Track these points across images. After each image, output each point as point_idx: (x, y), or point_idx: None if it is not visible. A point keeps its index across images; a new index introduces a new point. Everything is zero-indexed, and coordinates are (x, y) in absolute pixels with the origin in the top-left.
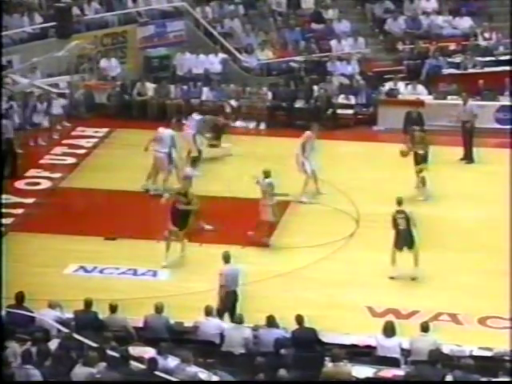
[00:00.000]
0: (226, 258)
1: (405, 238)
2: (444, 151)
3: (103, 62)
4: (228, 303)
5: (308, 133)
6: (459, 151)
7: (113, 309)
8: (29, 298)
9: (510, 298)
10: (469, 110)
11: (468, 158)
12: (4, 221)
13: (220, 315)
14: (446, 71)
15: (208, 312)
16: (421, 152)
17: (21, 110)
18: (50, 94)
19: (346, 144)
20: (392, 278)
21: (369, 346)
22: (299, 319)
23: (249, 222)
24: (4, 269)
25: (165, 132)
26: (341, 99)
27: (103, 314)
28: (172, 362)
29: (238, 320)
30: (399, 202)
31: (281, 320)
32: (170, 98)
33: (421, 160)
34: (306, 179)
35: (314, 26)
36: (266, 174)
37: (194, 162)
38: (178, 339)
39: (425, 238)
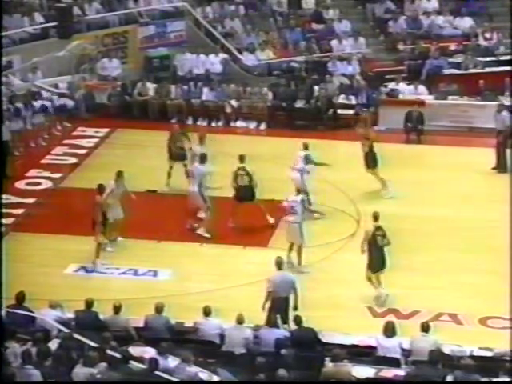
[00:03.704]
0: (278, 265)
1: (379, 258)
2: (444, 152)
3: (104, 62)
4: (277, 309)
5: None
6: (459, 151)
7: (116, 309)
8: (29, 297)
9: (510, 299)
10: (501, 119)
11: (500, 167)
12: (5, 221)
13: (269, 322)
14: (446, 71)
15: (206, 312)
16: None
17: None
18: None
19: (347, 144)
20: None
21: (369, 347)
22: (298, 320)
23: (249, 222)
24: (4, 269)
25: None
26: (341, 99)
27: (104, 314)
28: (172, 362)
29: (239, 320)
30: (376, 218)
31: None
32: (170, 98)
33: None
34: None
35: (314, 26)
36: (298, 191)
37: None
38: (179, 339)
39: (425, 238)
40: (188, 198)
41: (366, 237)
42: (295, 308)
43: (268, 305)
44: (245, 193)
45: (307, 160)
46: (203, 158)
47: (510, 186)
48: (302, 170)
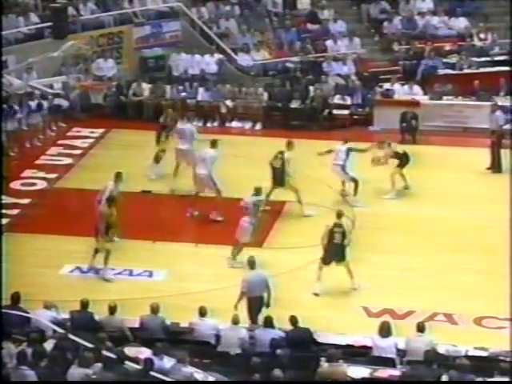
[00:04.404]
0: (251, 264)
1: (335, 253)
2: (439, 152)
3: (99, 63)
4: (253, 309)
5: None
6: (454, 152)
7: (111, 310)
8: (24, 298)
9: (510, 300)
10: (495, 119)
11: (495, 167)
12: None
13: (253, 321)
14: (441, 71)
15: (202, 313)
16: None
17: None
18: (44, 95)
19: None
20: (316, 294)
21: (364, 347)
22: (293, 320)
23: None
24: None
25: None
26: (336, 99)
27: (99, 314)
28: (168, 362)
29: (234, 320)
30: (339, 215)
31: (277, 320)
32: (165, 98)
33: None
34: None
35: (309, 26)
36: (257, 191)
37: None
38: (174, 340)
39: (421, 238)
40: (195, 181)
41: (325, 231)
42: (267, 305)
43: (242, 304)
44: (275, 175)
45: (349, 153)
46: (214, 143)
47: (510, 186)
48: (343, 164)
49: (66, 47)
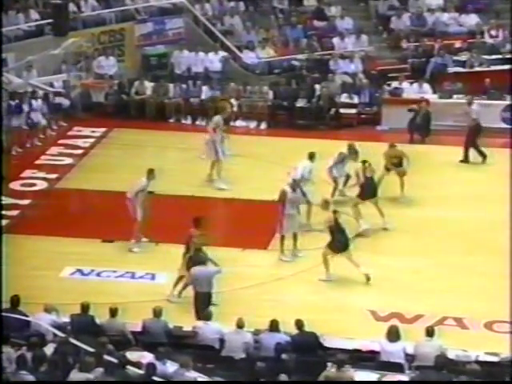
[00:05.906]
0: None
1: (343, 240)
2: (448, 151)
3: (100, 61)
4: (197, 304)
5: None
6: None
7: (112, 313)
8: (24, 301)
9: (510, 301)
10: (471, 112)
11: (465, 159)
12: None
13: (199, 317)
14: (451, 69)
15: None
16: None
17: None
18: (38, 93)
19: None
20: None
21: (372, 351)
22: (299, 324)
23: (248, 224)
24: None
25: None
26: (344, 98)
27: (100, 318)
28: (171, 367)
29: (238, 324)
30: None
31: (283, 324)
32: (168, 97)
33: None
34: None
35: (316, 23)
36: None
37: None
38: (177, 344)
39: (429, 240)
40: None
41: (330, 220)
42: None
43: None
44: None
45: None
46: (312, 156)
47: (510, 186)
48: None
49: (67, 45)
